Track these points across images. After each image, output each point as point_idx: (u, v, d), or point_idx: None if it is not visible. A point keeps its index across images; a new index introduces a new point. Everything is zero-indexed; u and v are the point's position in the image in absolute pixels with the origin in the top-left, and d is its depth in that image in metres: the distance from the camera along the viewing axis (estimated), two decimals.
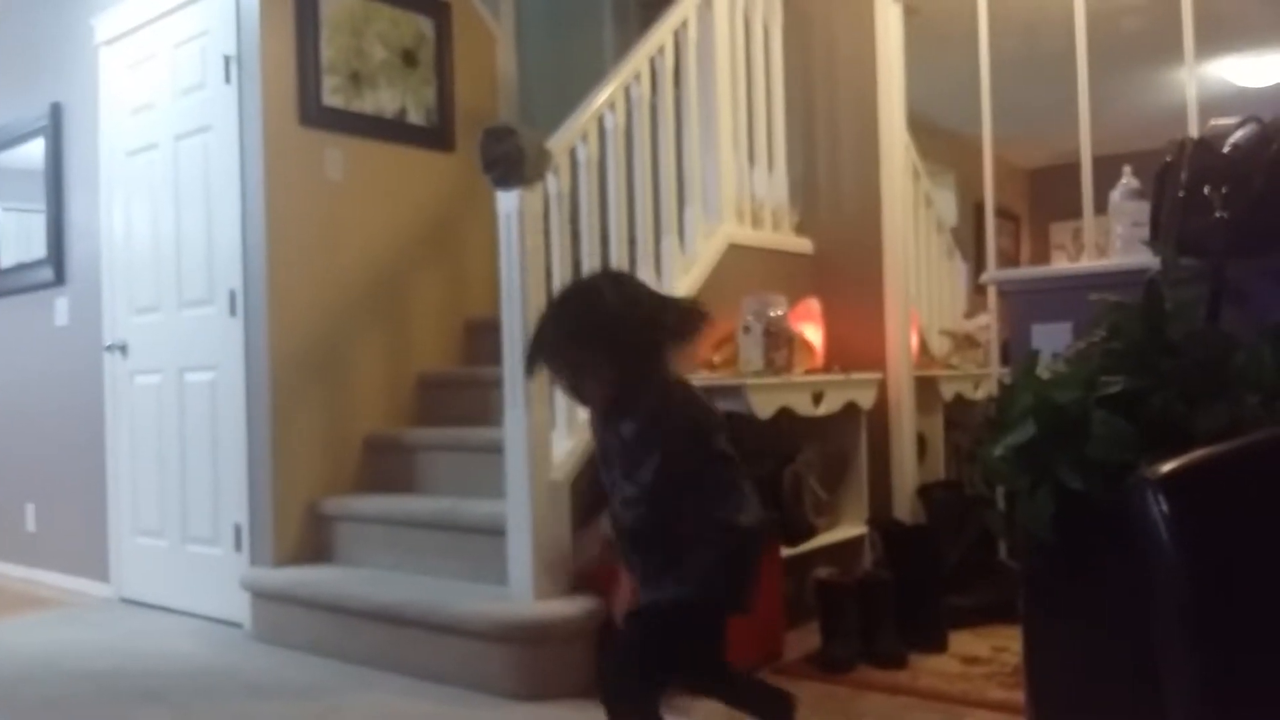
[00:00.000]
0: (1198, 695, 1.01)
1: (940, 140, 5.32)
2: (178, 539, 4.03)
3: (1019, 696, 2.42)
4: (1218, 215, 2.31)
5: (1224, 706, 1.01)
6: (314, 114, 3.79)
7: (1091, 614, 2.11)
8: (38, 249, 4.77)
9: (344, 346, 3.83)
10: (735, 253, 3.68)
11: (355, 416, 3.84)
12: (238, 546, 3.74)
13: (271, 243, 3.65)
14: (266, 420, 3.63)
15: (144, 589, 4.19)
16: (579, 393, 2.06)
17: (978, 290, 4.64)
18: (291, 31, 3.74)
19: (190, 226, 3.97)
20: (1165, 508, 1.02)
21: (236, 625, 3.68)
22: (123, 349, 4.27)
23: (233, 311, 3.76)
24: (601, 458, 2.07)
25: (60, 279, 4.66)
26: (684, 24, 3.59)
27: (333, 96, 3.85)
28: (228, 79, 3.77)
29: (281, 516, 3.63)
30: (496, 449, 3.09)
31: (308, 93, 3.77)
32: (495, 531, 3.07)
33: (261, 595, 3.56)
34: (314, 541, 3.69)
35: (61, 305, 4.66)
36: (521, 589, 2.95)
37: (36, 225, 4.77)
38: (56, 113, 4.65)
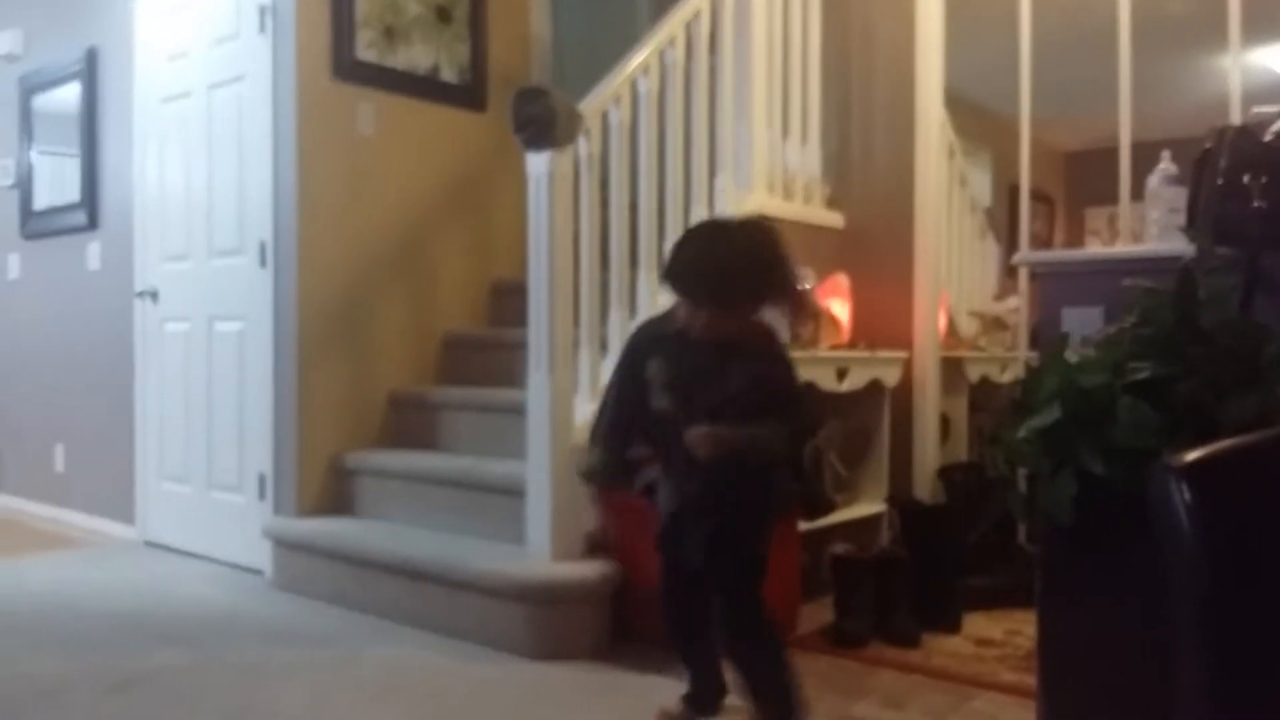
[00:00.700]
0: (1211, 685, 1.01)
1: (976, 119, 5.25)
2: (203, 485, 4.08)
3: (1031, 680, 2.42)
4: (1256, 204, 2.28)
5: (1237, 697, 1.01)
6: (347, 67, 3.79)
7: (1108, 600, 2.10)
8: (71, 193, 4.80)
9: (371, 302, 3.85)
10: None
11: (380, 373, 3.87)
12: (261, 495, 3.79)
13: (302, 195, 3.66)
14: (293, 372, 3.66)
15: (168, 533, 4.25)
16: (698, 307, 2.09)
17: (1008, 273, 4.60)
18: None
19: (222, 176, 3.99)
20: (1188, 496, 1.01)
21: (258, 572, 3.73)
22: (153, 296, 4.30)
23: (263, 263, 3.78)
24: (670, 384, 2.13)
25: (93, 224, 4.69)
26: None
27: (366, 50, 3.84)
28: (262, 29, 3.77)
29: (305, 468, 3.67)
30: (519, 410, 3.11)
31: (341, 46, 3.77)
32: (514, 492, 3.09)
33: (283, 544, 3.61)
34: (336, 494, 3.73)
35: (94, 250, 4.70)
36: (539, 549, 2.98)
37: (70, 169, 4.80)
38: (92, 57, 4.66)
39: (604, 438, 2.27)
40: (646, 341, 2.25)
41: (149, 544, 4.31)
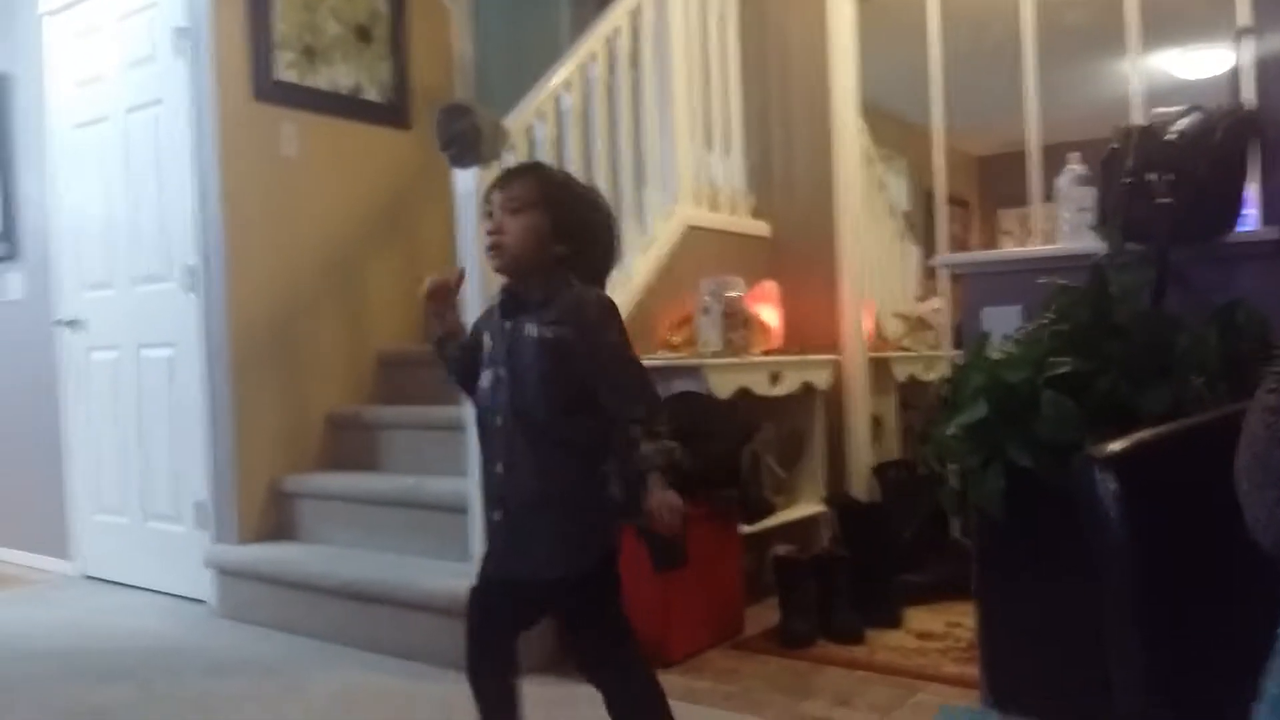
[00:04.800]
0: (1143, 666, 1.06)
1: (892, 127, 5.40)
2: (139, 516, 4.01)
3: (973, 670, 2.49)
4: (1162, 201, 2.39)
5: (1168, 677, 1.05)
6: (267, 89, 3.76)
7: (1043, 589, 2.19)
8: None
9: (303, 323, 3.83)
10: (693, 235, 3.73)
11: (316, 394, 3.84)
12: (200, 523, 3.73)
13: (227, 218, 3.63)
14: (227, 397, 3.63)
15: (107, 566, 4.17)
16: (502, 237, 1.83)
17: (929, 274, 4.73)
18: (243, 4, 3.69)
19: (143, 201, 3.93)
20: (1113, 486, 1.05)
21: (200, 602, 3.68)
22: (78, 324, 4.22)
23: (190, 287, 3.73)
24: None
25: (11, 253, 4.57)
26: (640, 6, 3.61)
27: (287, 71, 3.82)
28: (178, 51, 3.73)
29: (244, 494, 3.63)
30: (458, 427, 3.11)
31: (261, 67, 3.74)
32: (457, 509, 3.10)
33: (225, 572, 3.57)
34: (277, 519, 3.70)
35: (13, 280, 4.59)
36: None
37: None
38: (1, 84, 4.55)
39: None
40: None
41: (88, 578, 4.22)
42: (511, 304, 1.87)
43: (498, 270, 1.89)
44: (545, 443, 1.78)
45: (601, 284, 1.91)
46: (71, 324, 4.24)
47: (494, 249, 1.85)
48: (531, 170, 1.97)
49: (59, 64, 4.27)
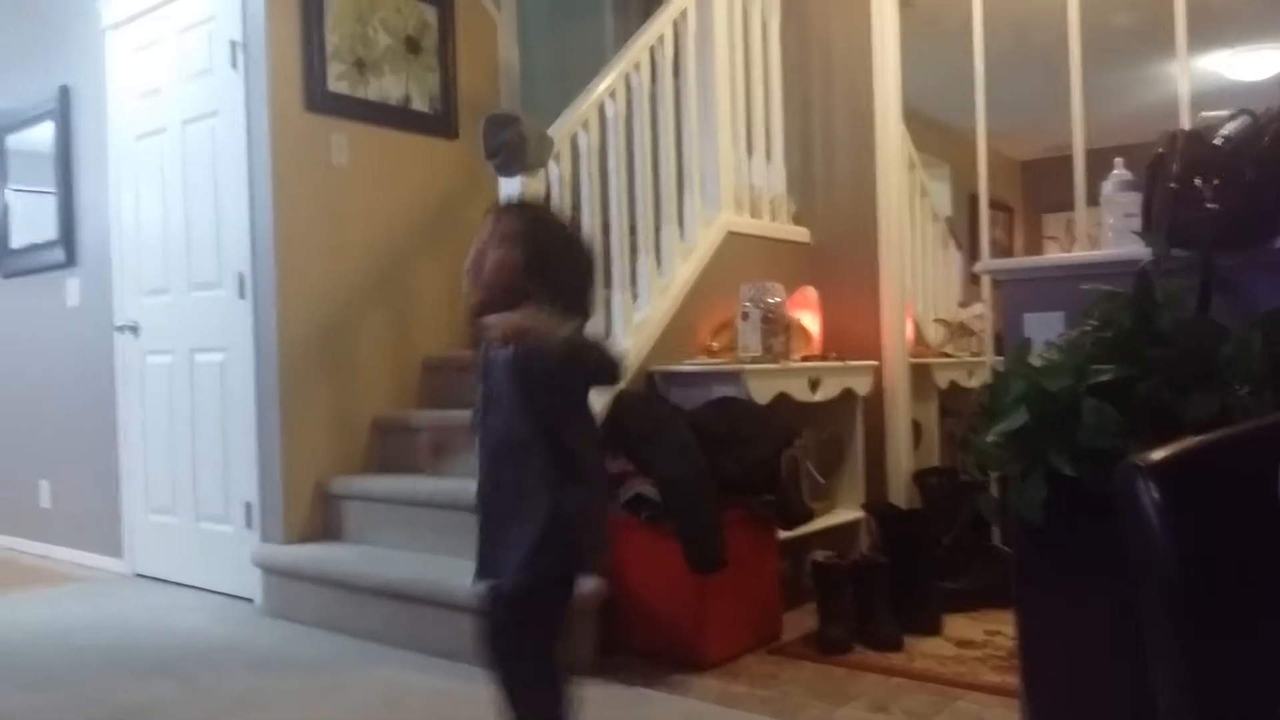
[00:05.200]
0: (1185, 678, 1.04)
1: (935, 132, 5.36)
2: (190, 516, 4.10)
3: (1013, 680, 2.47)
4: (1208, 207, 2.36)
5: (1210, 689, 1.03)
6: (320, 100, 3.84)
7: (1082, 598, 2.16)
8: (48, 231, 4.82)
9: (351, 329, 3.90)
10: (734, 241, 3.75)
11: (362, 398, 3.91)
12: (248, 524, 3.81)
13: (279, 227, 3.71)
14: (275, 400, 3.70)
15: (158, 565, 4.26)
16: (482, 264, 1.95)
17: (972, 279, 4.70)
18: (297, 18, 3.79)
19: (199, 210, 4.02)
20: (1156, 495, 1.04)
21: (248, 601, 3.76)
22: (134, 329, 4.32)
23: (242, 294, 3.81)
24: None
25: (71, 260, 4.71)
26: (683, 14, 3.64)
27: (338, 83, 3.90)
28: (234, 64, 3.82)
29: (291, 495, 3.70)
30: None
31: (313, 79, 3.82)
32: None
33: (272, 571, 3.64)
34: (323, 520, 3.77)
35: (73, 286, 4.72)
36: None
37: (47, 207, 4.81)
38: (65, 96, 4.69)
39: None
40: None
41: (139, 576, 4.32)
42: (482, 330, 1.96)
43: (468, 291, 1.97)
44: (524, 459, 1.90)
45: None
46: (128, 329, 4.34)
47: (472, 271, 1.96)
48: (522, 209, 2.06)
49: (120, 77, 4.39)
